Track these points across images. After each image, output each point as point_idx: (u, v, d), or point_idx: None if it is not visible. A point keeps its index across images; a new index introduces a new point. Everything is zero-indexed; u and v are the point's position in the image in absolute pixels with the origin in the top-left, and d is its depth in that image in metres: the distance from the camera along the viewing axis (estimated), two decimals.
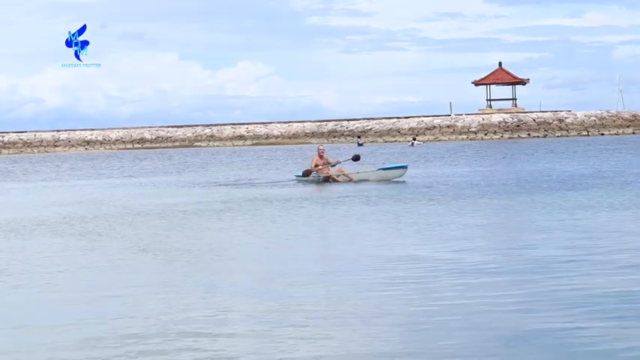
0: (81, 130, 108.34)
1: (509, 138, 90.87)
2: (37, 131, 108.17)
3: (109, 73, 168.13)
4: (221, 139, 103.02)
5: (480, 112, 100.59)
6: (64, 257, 13.17)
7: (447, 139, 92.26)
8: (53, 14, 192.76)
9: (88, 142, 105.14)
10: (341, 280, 10.54)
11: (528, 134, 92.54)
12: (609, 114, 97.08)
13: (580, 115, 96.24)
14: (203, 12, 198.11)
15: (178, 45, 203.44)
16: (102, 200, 24.41)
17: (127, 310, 9.14)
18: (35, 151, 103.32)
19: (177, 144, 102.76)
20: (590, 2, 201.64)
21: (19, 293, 10.48)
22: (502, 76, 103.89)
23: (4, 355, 7.58)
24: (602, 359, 6.90)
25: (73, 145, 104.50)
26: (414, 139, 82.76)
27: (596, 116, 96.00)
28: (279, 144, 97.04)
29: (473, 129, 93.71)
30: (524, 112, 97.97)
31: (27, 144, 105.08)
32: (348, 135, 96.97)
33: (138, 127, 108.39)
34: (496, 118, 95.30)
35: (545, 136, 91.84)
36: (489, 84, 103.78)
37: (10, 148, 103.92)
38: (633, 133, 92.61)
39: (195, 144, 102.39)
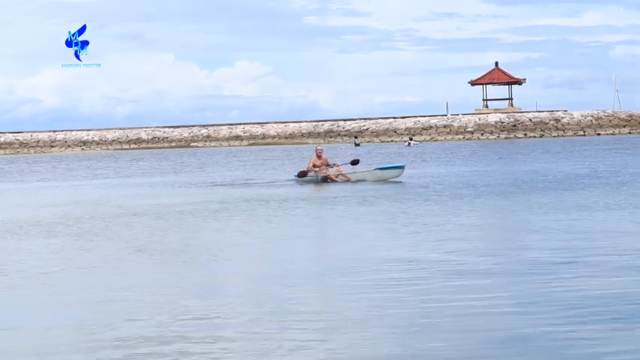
0: (77, 130, 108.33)
1: (506, 138, 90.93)
2: (34, 132, 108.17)
3: (106, 74, 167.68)
4: (217, 140, 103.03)
5: (477, 111, 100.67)
6: (60, 258, 13.15)
7: (443, 139, 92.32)
8: (51, 15, 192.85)
9: (85, 143, 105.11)
10: (337, 282, 10.53)
11: (525, 134, 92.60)
12: (605, 114, 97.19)
13: (576, 115, 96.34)
14: (200, 12, 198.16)
15: (175, 45, 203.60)
16: (98, 201, 24.38)
17: (122, 312, 9.12)
18: (32, 151, 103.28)
19: (173, 144, 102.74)
20: (588, 2, 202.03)
21: (14, 294, 10.46)
22: (498, 76, 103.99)
23: None
24: None
25: (69, 146, 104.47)
26: (411, 139, 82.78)
27: (592, 116, 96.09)
28: (275, 144, 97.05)
29: (469, 129, 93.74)
30: (521, 112, 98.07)
31: (23, 144, 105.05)
32: (345, 135, 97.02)
33: (134, 128, 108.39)
34: (492, 118, 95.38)
35: (541, 136, 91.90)
36: (486, 84, 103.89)
37: (6, 148, 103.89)
38: (629, 133, 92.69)
39: (192, 144, 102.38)
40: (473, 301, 9.04)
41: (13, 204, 24.77)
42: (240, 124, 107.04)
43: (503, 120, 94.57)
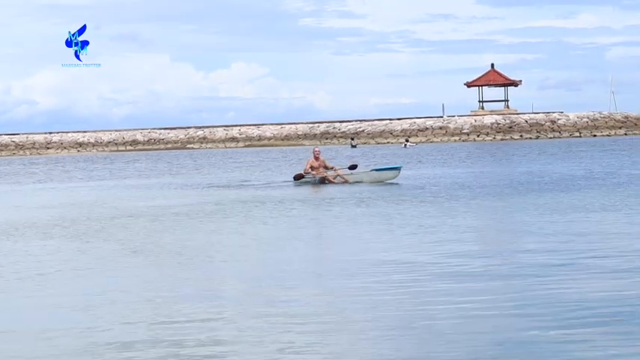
0: (73, 132, 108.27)
1: (502, 139, 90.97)
2: (30, 133, 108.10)
3: (103, 75, 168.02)
4: (213, 141, 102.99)
5: (473, 113, 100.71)
6: (55, 259, 13.13)
7: (439, 140, 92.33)
8: (47, 16, 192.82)
9: (81, 144, 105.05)
10: (333, 284, 10.52)
11: (520, 135, 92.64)
12: (601, 115, 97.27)
13: (572, 116, 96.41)
14: (196, 14, 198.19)
15: (172, 46, 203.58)
16: (94, 202, 24.36)
17: (118, 314, 9.11)
18: (27, 153, 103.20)
19: (169, 146, 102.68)
20: (583, 3, 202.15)
21: (9, 296, 10.43)
22: (494, 78, 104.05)
23: None
24: None
25: (65, 147, 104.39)
26: (407, 141, 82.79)
27: (588, 117, 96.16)
28: (271, 146, 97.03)
29: (465, 130, 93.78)
30: (517, 114, 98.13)
31: (19, 146, 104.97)
32: (341, 137, 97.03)
33: (130, 129, 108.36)
34: (488, 119, 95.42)
35: (537, 137, 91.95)
36: (482, 85, 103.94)
37: (2, 150, 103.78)
38: (625, 134, 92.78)
39: (188, 146, 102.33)
40: (469, 303, 9.02)
41: (8, 205, 24.74)
42: (236, 125, 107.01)
43: (499, 121, 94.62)
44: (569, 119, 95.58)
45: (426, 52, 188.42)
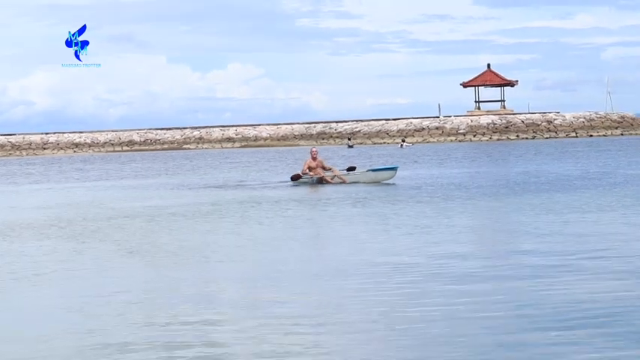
0: (69, 132, 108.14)
1: (498, 139, 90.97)
2: (26, 134, 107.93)
3: (99, 76, 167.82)
4: (210, 142, 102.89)
5: (469, 113, 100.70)
6: (52, 260, 13.12)
7: (435, 140, 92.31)
8: (44, 16, 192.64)
9: (77, 145, 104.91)
10: (329, 284, 10.52)
11: (517, 136, 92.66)
12: (598, 115, 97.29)
13: (568, 116, 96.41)
14: (193, 14, 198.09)
15: (168, 47, 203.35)
16: (91, 203, 24.34)
17: (114, 314, 9.10)
18: (24, 153, 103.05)
19: (165, 146, 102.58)
20: (580, 4, 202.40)
21: (5, 297, 10.43)
22: (491, 78, 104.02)
23: None
24: None
25: (61, 148, 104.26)
26: (403, 141, 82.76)
27: (584, 118, 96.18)
28: (267, 146, 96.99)
29: (461, 131, 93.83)
30: (513, 114, 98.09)
31: (15, 146, 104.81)
32: (337, 137, 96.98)
33: (126, 130, 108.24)
34: (485, 119, 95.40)
35: (533, 137, 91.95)
36: (478, 86, 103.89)
37: None
38: (621, 134, 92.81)
39: (184, 146, 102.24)
40: (465, 304, 9.03)
41: (5, 206, 24.72)
42: (232, 126, 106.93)
43: (495, 122, 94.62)
44: (566, 119, 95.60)
45: (422, 52, 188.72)
